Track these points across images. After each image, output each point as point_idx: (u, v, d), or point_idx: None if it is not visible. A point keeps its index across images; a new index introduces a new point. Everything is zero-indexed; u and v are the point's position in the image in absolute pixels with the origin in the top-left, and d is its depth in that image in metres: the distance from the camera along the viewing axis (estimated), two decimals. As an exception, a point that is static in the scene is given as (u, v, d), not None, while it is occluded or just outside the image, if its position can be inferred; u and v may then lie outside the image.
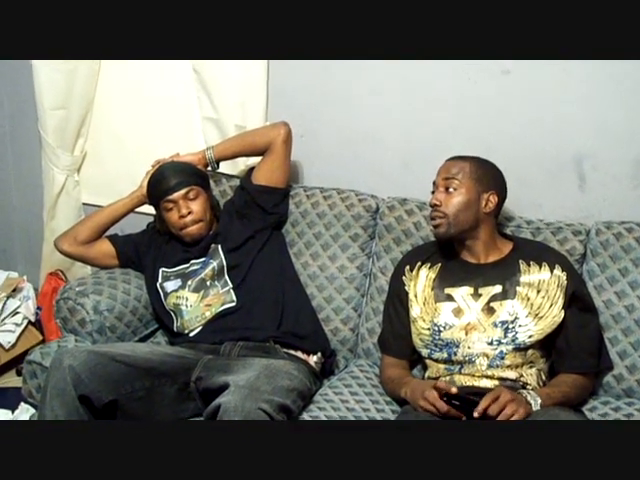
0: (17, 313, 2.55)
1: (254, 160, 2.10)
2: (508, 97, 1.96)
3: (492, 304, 1.66)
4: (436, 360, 1.71)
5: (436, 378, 1.69)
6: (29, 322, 2.59)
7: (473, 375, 1.64)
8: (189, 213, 1.94)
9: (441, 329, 1.69)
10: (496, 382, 1.61)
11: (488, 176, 1.72)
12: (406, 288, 1.80)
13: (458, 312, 1.69)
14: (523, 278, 1.67)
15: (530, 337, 1.62)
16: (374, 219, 2.05)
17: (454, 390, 1.49)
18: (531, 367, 1.65)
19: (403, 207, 2.00)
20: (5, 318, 2.51)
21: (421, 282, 1.78)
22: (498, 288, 1.67)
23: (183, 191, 1.94)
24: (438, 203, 1.69)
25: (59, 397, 1.54)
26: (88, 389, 1.55)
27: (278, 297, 1.92)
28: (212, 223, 2.02)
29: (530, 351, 1.64)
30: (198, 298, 1.93)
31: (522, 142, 1.96)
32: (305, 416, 1.62)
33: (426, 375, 1.75)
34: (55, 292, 2.34)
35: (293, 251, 2.08)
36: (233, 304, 1.90)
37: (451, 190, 1.69)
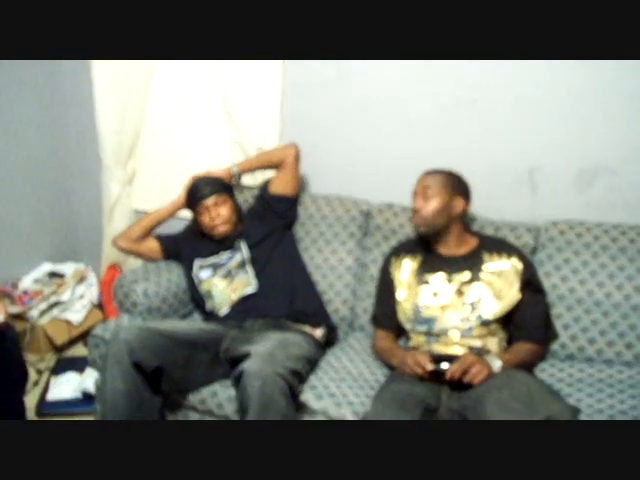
0: (83, 297, 2.58)
1: (270, 174, 2.12)
2: (474, 121, 1.97)
3: (462, 288, 1.67)
4: (418, 333, 1.71)
5: (417, 347, 1.70)
6: (93, 304, 2.61)
7: (447, 344, 1.65)
8: (218, 216, 1.95)
9: (421, 308, 1.70)
10: (465, 349, 1.62)
11: (456, 185, 1.74)
12: (392, 276, 1.81)
13: (435, 294, 1.70)
14: (487, 266, 1.69)
15: (493, 314, 1.64)
16: (367, 220, 2.05)
17: (429, 368, 1.51)
18: (494, 337, 1.66)
19: (390, 211, 2.01)
20: (75, 301, 2.54)
21: (405, 270, 1.79)
22: (467, 275, 1.69)
23: (213, 198, 1.95)
24: (418, 208, 1.72)
25: (117, 364, 1.55)
26: (140, 357, 1.56)
27: (290, 283, 1.92)
28: (237, 224, 2.02)
29: (493, 325, 1.65)
30: (226, 284, 1.93)
31: (485, 158, 1.97)
32: (312, 378, 1.63)
33: (409, 344, 1.75)
34: (113, 281, 2.35)
35: (302, 246, 2.09)
36: (254, 289, 1.90)
37: (427, 197, 1.70)
